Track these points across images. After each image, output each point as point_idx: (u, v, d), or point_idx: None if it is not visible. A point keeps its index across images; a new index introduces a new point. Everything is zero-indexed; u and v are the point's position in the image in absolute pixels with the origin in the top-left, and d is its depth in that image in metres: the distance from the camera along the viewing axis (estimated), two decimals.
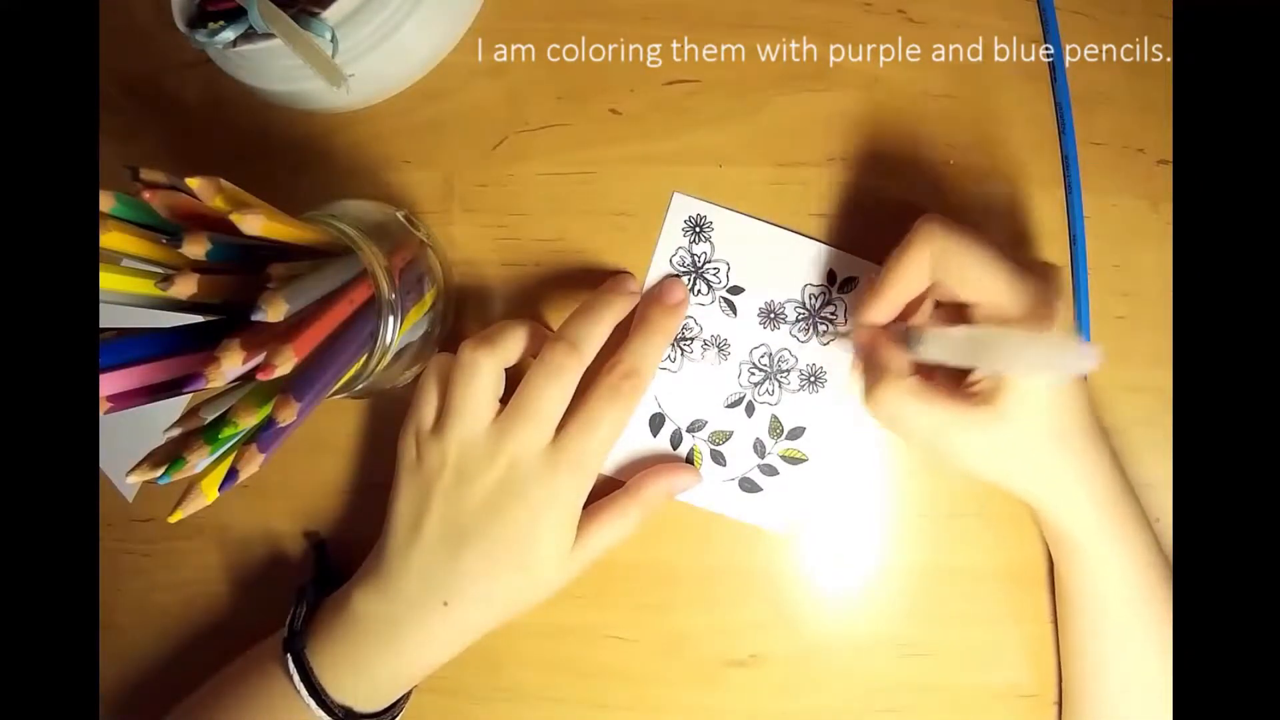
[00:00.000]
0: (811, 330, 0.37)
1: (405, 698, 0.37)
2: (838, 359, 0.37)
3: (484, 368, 0.33)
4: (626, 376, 0.34)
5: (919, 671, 0.38)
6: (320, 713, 0.33)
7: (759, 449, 0.38)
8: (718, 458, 0.38)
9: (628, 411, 0.34)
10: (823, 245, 0.37)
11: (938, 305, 0.33)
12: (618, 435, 0.35)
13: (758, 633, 0.38)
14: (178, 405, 0.35)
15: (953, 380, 0.31)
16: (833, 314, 0.37)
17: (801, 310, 0.37)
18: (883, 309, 0.32)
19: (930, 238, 0.30)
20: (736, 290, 0.37)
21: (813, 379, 0.37)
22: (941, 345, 0.29)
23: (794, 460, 0.38)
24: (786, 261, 0.37)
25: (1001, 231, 0.37)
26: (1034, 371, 0.28)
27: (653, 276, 0.38)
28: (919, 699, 0.38)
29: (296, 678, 0.33)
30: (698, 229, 0.37)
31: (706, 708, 0.39)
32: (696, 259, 0.37)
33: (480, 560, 0.33)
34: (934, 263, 0.30)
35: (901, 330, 0.31)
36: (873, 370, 0.31)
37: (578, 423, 0.33)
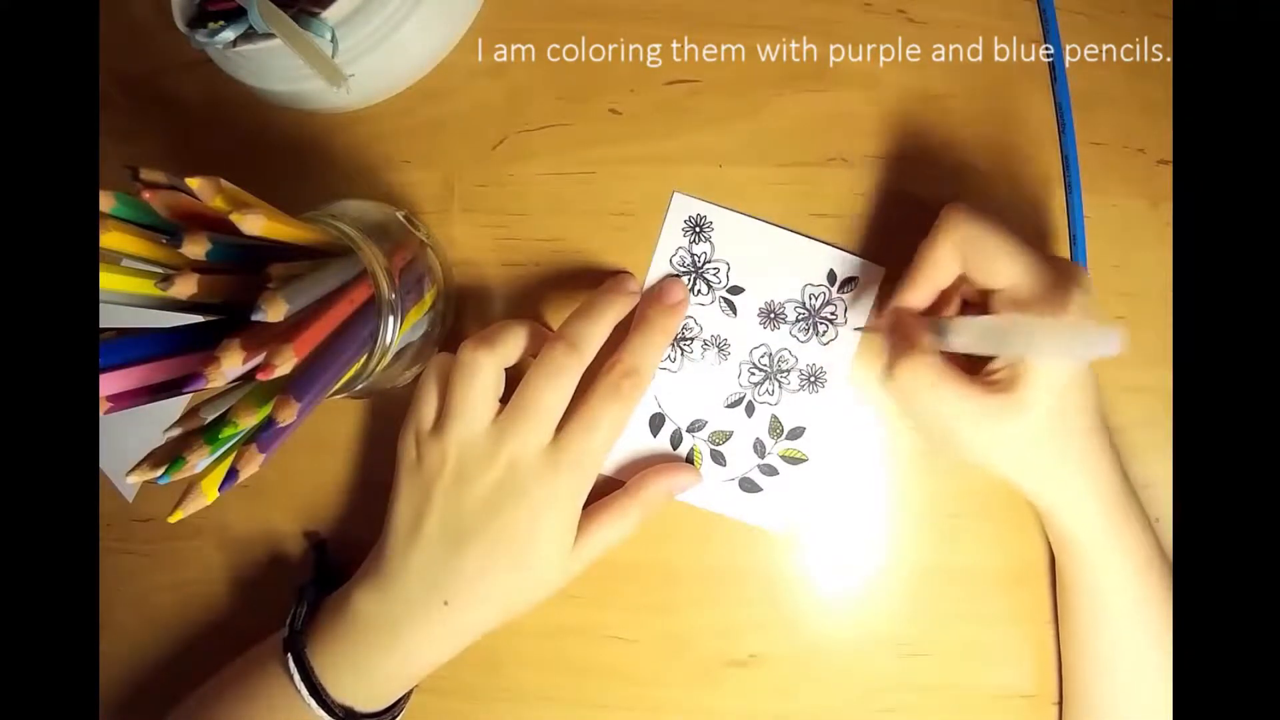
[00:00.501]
0: (811, 330, 0.37)
1: (406, 697, 0.37)
2: (838, 359, 0.37)
3: (484, 367, 0.33)
4: (627, 375, 0.34)
5: (919, 671, 0.38)
6: (321, 712, 0.33)
7: (759, 449, 0.38)
8: (718, 458, 0.38)
9: (628, 411, 0.34)
10: (823, 245, 0.37)
11: (964, 306, 0.33)
12: (618, 435, 0.35)
13: (758, 633, 0.38)
14: (178, 405, 0.35)
15: (973, 371, 0.31)
16: (833, 314, 0.37)
17: (801, 310, 0.37)
18: (916, 295, 0.32)
19: (955, 225, 0.31)
20: (736, 290, 0.37)
21: (813, 379, 0.37)
22: (968, 333, 0.29)
23: (794, 460, 0.38)
24: (786, 261, 0.37)
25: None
26: (1057, 355, 0.29)
27: (653, 276, 0.38)
28: (919, 699, 0.38)
29: (297, 677, 0.33)
30: (698, 229, 0.37)
31: (706, 708, 0.39)
32: (696, 259, 0.37)
33: (480, 560, 0.33)
34: (959, 249, 0.31)
35: (930, 321, 0.31)
36: (897, 346, 0.31)
37: (578, 422, 0.33)
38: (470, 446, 0.33)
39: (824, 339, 0.37)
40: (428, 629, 0.34)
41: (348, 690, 0.34)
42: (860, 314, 0.37)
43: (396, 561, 0.34)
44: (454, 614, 0.34)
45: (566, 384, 0.33)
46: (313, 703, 0.33)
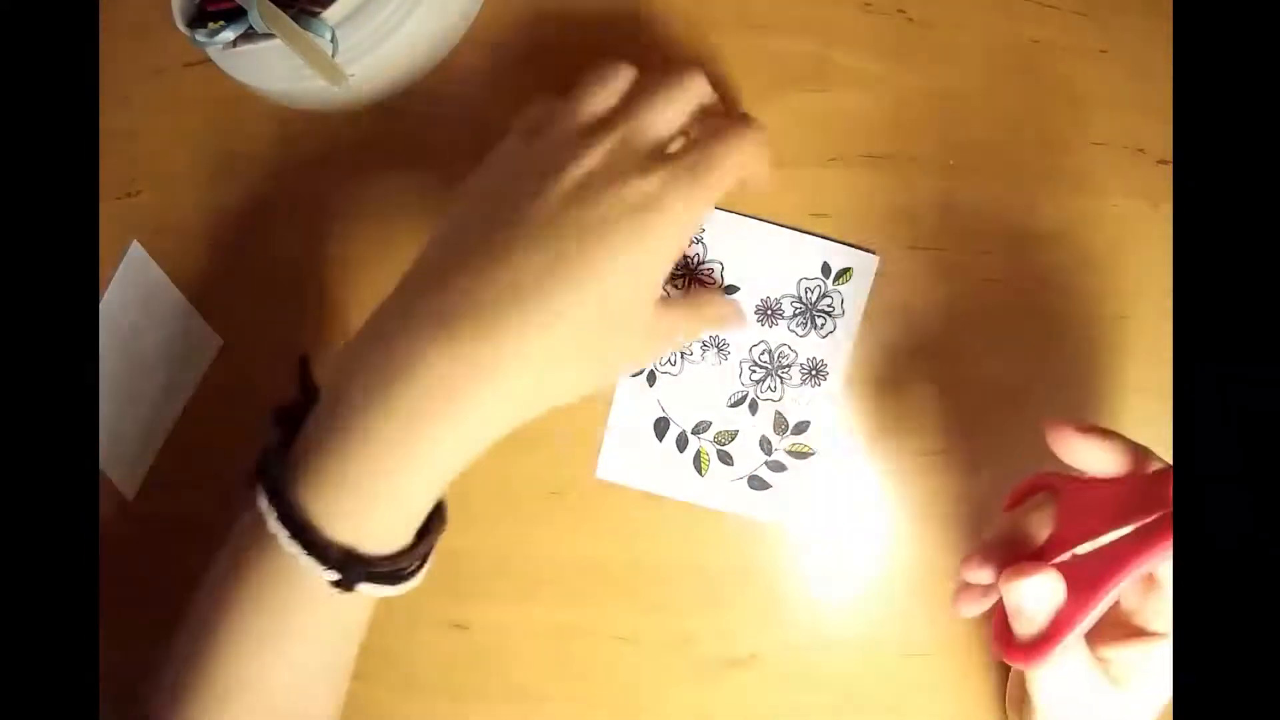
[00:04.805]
0: (809, 324, 0.37)
1: (428, 539, 0.28)
2: (837, 351, 0.37)
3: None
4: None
5: (919, 671, 0.38)
6: (309, 561, 0.25)
7: (765, 446, 0.38)
8: (725, 458, 0.38)
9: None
10: (814, 237, 0.37)
11: None
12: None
13: (758, 633, 0.38)
14: (177, 406, 0.35)
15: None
16: (830, 306, 0.37)
17: (798, 304, 0.37)
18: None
19: None
20: (732, 290, 0.37)
21: (814, 373, 0.37)
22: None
23: (801, 455, 0.38)
24: (780, 256, 0.37)
25: (1002, 231, 0.37)
26: None
27: None
28: (919, 699, 0.38)
29: (271, 518, 0.25)
30: None
31: (707, 708, 0.39)
32: (690, 261, 0.37)
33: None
34: None
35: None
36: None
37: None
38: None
39: (822, 332, 0.37)
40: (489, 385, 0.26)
41: (346, 521, 0.25)
42: (857, 304, 0.37)
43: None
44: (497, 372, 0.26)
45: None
46: (295, 548, 0.25)
